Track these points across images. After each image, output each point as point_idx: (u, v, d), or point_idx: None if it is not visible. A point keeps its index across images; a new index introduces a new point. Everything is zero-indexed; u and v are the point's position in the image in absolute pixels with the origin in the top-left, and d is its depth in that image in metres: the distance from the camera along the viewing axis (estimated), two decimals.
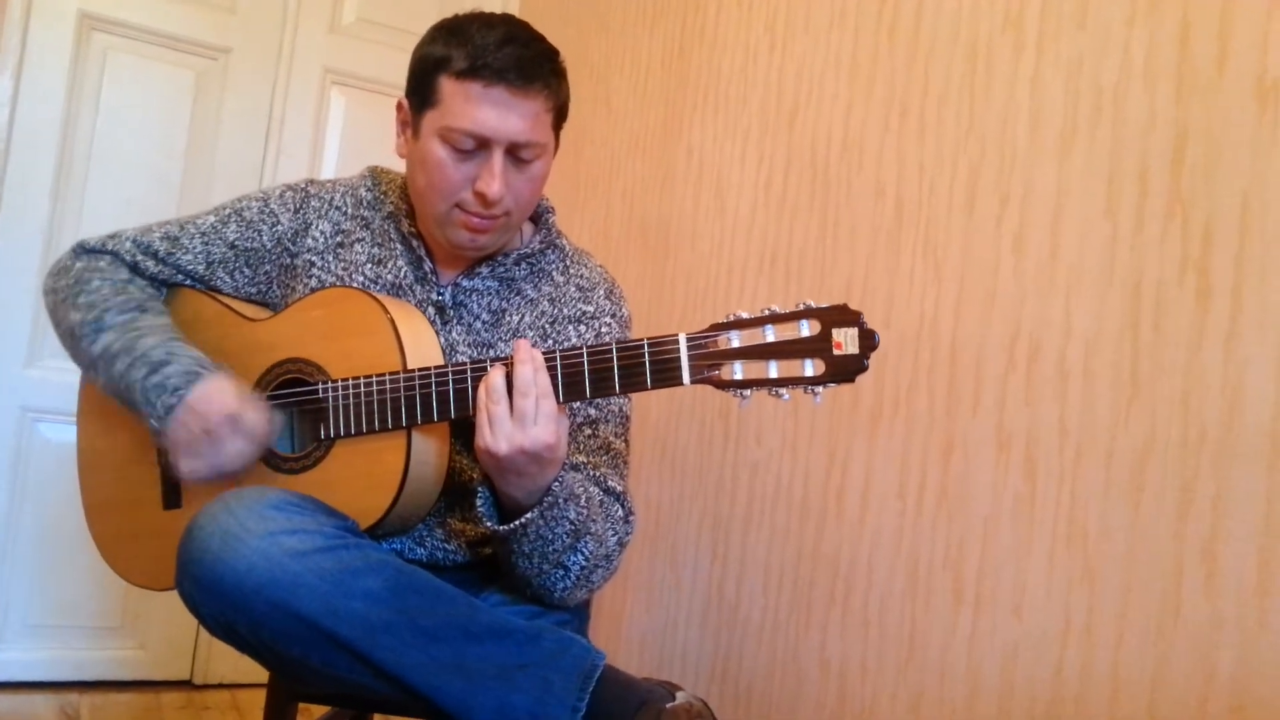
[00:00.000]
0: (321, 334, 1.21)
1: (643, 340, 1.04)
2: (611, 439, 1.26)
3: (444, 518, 1.25)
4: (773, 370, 0.99)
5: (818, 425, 1.52)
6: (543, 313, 1.29)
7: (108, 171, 2.28)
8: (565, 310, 1.29)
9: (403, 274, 1.28)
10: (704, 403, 1.77)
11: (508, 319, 1.28)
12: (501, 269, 1.29)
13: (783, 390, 0.99)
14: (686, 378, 1.02)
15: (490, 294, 1.29)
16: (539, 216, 1.34)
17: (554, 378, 1.06)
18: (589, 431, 1.24)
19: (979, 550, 1.24)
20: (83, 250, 1.32)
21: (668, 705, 1.03)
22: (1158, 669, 1.03)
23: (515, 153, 1.18)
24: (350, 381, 1.16)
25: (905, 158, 1.42)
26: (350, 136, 2.51)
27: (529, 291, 1.30)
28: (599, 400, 1.24)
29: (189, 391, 1.15)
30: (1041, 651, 1.15)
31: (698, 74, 1.93)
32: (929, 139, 1.39)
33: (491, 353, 1.26)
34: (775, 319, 1.00)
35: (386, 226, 1.31)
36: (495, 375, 1.06)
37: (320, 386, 1.19)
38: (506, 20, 1.20)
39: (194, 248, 1.31)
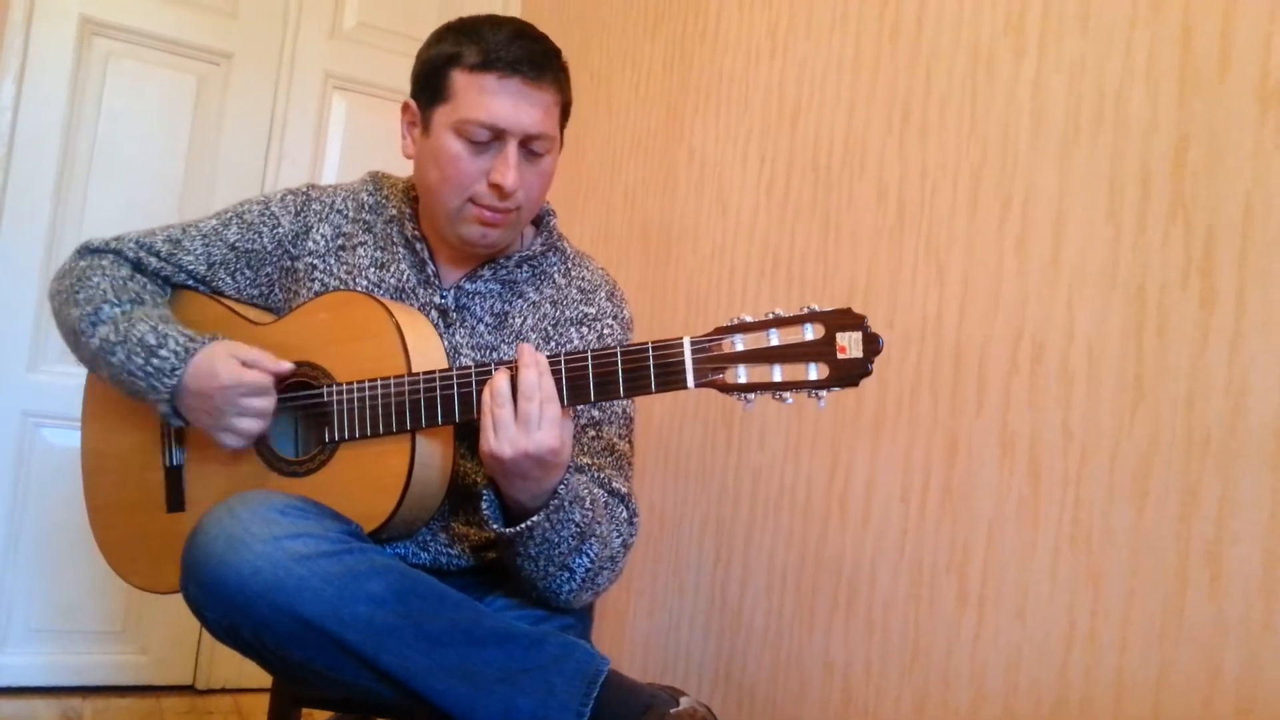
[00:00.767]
0: (326, 338, 1.21)
1: (647, 344, 1.04)
2: (615, 440, 1.26)
3: (448, 522, 1.25)
4: (777, 374, 0.99)
5: (821, 428, 1.52)
6: (545, 315, 1.29)
7: (110, 176, 2.28)
8: (567, 312, 1.30)
9: (406, 277, 1.28)
10: (707, 406, 1.77)
11: (511, 321, 1.28)
12: (504, 271, 1.29)
13: (786, 394, 0.99)
14: (691, 381, 1.02)
15: (493, 296, 1.29)
16: (540, 219, 1.34)
17: (558, 381, 1.06)
18: (593, 433, 1.24)
19: (983, 553, 1.24)
20: (87, 250, 1.33)
21: (672, 710, 1.03)
22: (1162, 671, 1.03)
23: (528, 145, 1.20)
24: (355, 385, 1.16)
25: (907, 160, 1.42)
26: (352, 141, 2.51)
27: (531, 294, 1.31)
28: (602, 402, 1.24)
29: (185, 370, 1.18)
30: (1045, 654, 1.14)
31: (699, 76, 1.93)
32: (931, 141, 1.39)
33: (495, 355, 1.26)
34: (779, 322, 1.00)
35: (389, 230, 1.31)
36: (500, 379, 1.06)
37: (325, 390, 1.19)
38: (512, 19, 1.23)
39: (195, 249, 1.31)
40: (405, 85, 1.29)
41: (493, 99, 1.17)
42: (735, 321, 1.01)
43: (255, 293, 1.34)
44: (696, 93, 1.93)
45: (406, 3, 2.54)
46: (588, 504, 1.14)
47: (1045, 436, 1.18)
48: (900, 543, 1.35)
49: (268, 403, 1.19)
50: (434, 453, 1.16)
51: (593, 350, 1.06)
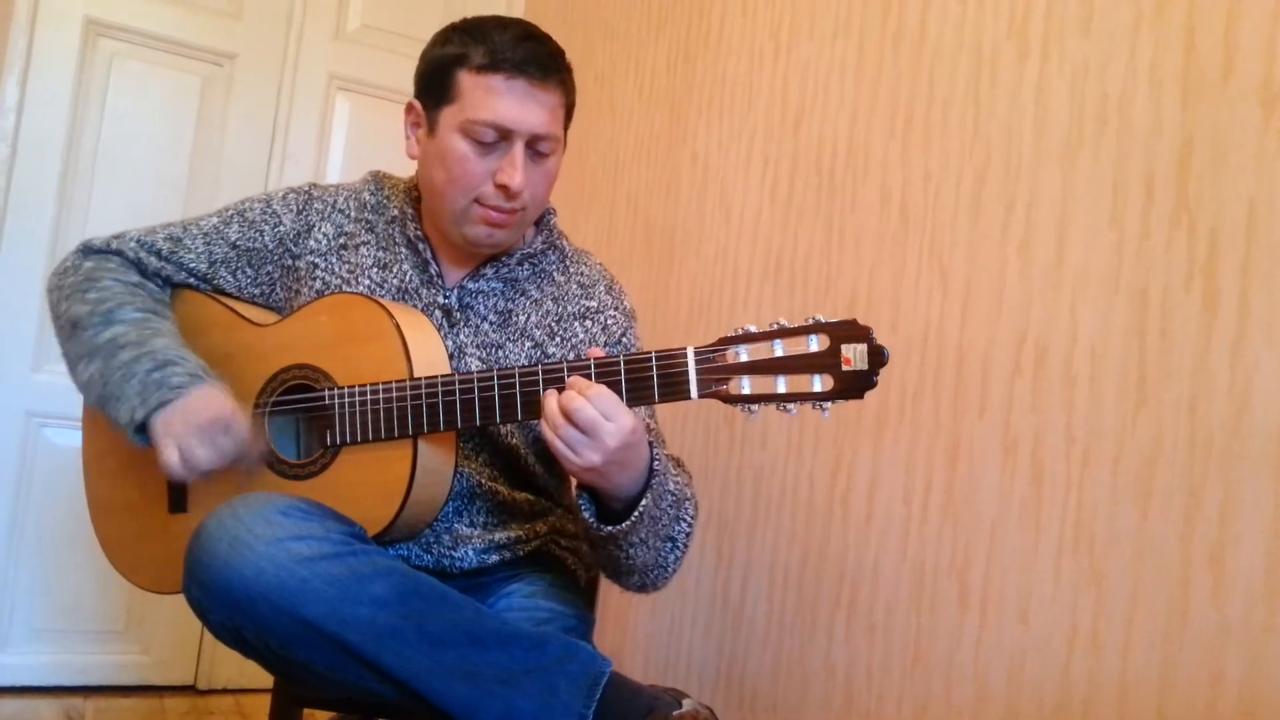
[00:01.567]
0: (328, 340, 1.21)
1: (650, 354, 1.04)
2: (648, 420, 1.28)
3: (451, 524, 1.25)
4: (781, 385, 0.99)
5: (823, 430, 1.52)
6: (548, 312, 1.30)
7: (113, 177, 2.28)
8: (569, 308, 1.31)
9: (408, 277, 1.28)
10: (710, 406, 1.77)
11: (514, 319, 1.29)
12: (505, 270, 1.29)
13: (790, 405, 0.99)
14: (694, 392, 1.02)
15: (496, 295, 1.29)
16: (540, 218, 1.35)
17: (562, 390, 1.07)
18: None
19: (985, 555, 1.24)
20: (89, 250, 1.32)
21: (674, 713, 1.03)
22: (1165, 674, 1.03)
23: (534, 145, 1.20)
24: (357, 389, 1.16)
25: (911, 164, 1.42)
26: (355, 142, 2.51)
27: (533, 292, 1.31)
28: None
29: (189, 391, 1.16)
30: (1048, 657, 1.14)
31: (703, 79, 1.93)
32: (934, 145, 1.39)
33: (500, 354, 1.26)
34: (784, 333, 1.00)
35: (391, 230, 1.31)
36: (549, 402, 1.05)
37: (326, 393, 1.19)
38: (518, 21, 1.24)
39: (196, 247, 1.31)
40: (409, 86, 1.29)
41: (499, 100, 1.17)
42: (739, 332, 1.01)
43: (256, 291, 1.34)
44: (700, 96, 1.93)
45: (410, 4, 2.54)
46: (673, 470, 1.16)
47: (1048, 439, 1.18)
48: (903, 544, 1.35)
49: (240, 435, 1.17)
50: (437, 456, 1.16)
51: (596, 360, 1.06)
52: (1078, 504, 1.13)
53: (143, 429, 1.17)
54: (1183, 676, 1.01)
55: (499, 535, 1.27)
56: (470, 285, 1.28)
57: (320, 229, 1.32)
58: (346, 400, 1.17)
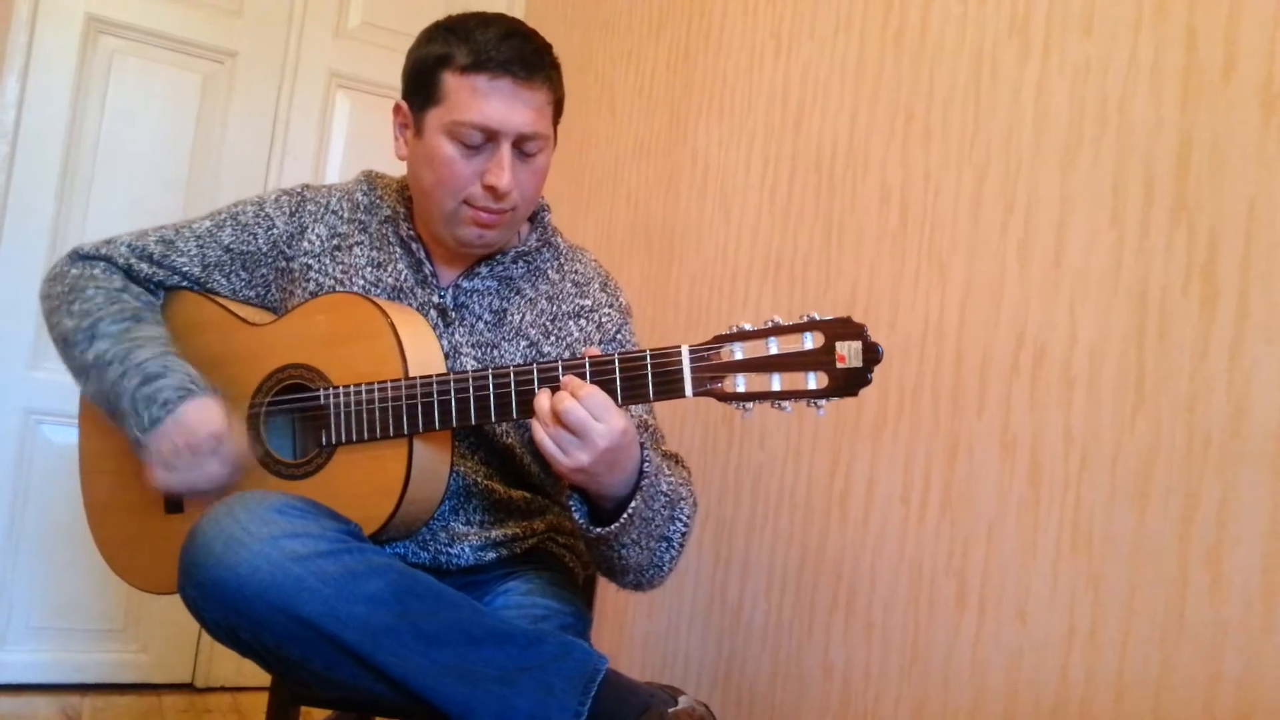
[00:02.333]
0: (323, 339, 1.21)
1: (645, 351, 1.04)
2: (645, 417, 1.28)
3: (448, 521, 1.25)
4: (775, 383, 0.99)
5: (822, 429, 1.51)
6: (542, 310, 1.30)
7: (113, 174, 2.28)
8: (564, 306, 1.31)
9: (403, 277, 1.28)
10: (708, 405, 1.77)
11: (510, 318, 1.29)
12: (500, 268, 1.29)
13: (785, 403, 0.99)
14: (689, 390, 1.02)
15: (490, 294, 1.29)
16: (534, 215, 1.35)
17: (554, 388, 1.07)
18: None
19: (983, 555, 1.23)
20: (78, 256, 1.32)
21: (670, 710, 1.03)
22: (1163, 674, 1.02)
23: (520, 145, 1.19)
24: (352, 388, 1.16)
25: (910, 163, 1.42)
26: (355, 140, 2.51)
27: (528, 290, 1.31)
28: None
29: (179, 407, 1.15)
30: (1046, 656, 1.14)
31: (703, 78, 1.93)
32: (934, 145, 1.38)
33: (495, 352, 1.26)
34: (778, 331, 1.00)
35: (385, 230, 1.31)
36: (541, 402, 1.05)
37: (322, 393, 1.19)
38: (502, 17, 1.23)
39: (189, 250, 1.31)
40: None
41: (484, 101, 1.16)
42: (734, 329, 1.01)
43: (251, 294, 1.34)
44: (700, 95, 1.93)
45: (411, 2, 2.54)
46: (667, 471, 1.16)
47: (1046, 439, 1.17)
48: (900, 544, 1.35)
49: (230, 459, 1.18)
50: (432, 455, 1.16)
51: (591, 359, 1.06)
52: (1076, 504, 1.13)
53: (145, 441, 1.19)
54: (1180, 676, 1.01)
55: (495, 533, 1.26)
56: (465, 284, 1.28)
57: (314, 230, 1.32)
58: (342, 399, 1.17)
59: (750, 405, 1.00)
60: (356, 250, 1.30)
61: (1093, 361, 1.13)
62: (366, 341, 1.17)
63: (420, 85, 1.21)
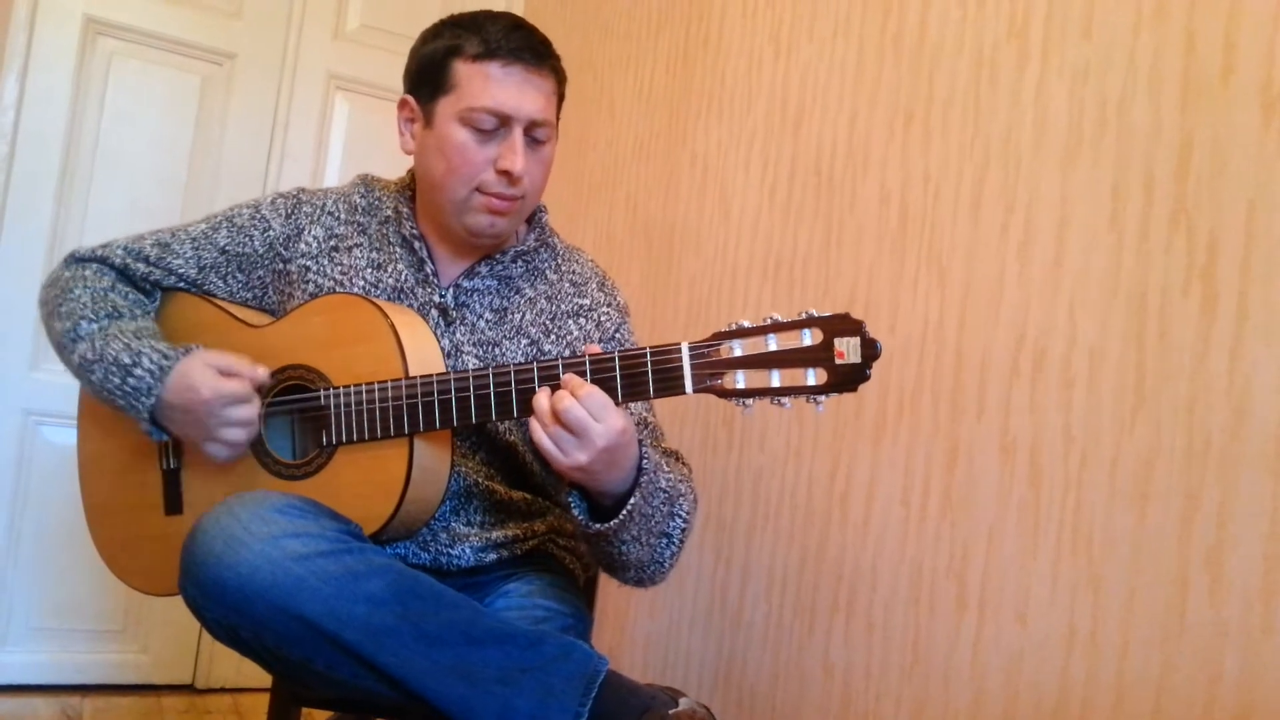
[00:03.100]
0: (323, 340, 1.21)
1: (645, 349, 1.04)
2: (645, 415, 1.29)
3: (448, 522, 1.25)
4: (775, 379, 1.00)
5: (822, 431, 1.51)
6: (542, 310, 1.31)
7: (112, 176, 2.28)
8: (563, 306, 1.31)
9: (403, 277, 1.28)
10: (708, 406, 1.77)
11: (510, 317, 1.29)
12: (500, 267, 1.30)
13: (785, 399, 1.00)
14: (689, 387, 1.02)
15: (491, 293, 1.30)
16: (532, 216, 1.36)
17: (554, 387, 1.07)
18: None
19: (983, 556, 1.23)
20: (73, 260, 1.33)
21: (671, 711, 1.03)
22: (1163, 675, 1.03)
23: (531, 132, 1.22)
24: (352, 389, 1.16)
25: (910, 165, 1.42)
26: (354, 141, 2.51)
27: (527, 290, 1.32)
28: None
29: (162, 389, 1.17)
30: (1046, 658, 1.14)
31: (702, 80, 1.93)
32: (934, 146, 1.39)
33: (496, 351, 1.27)
34: (777, 328, 1.00)
35: (385, 231, 1.32)
36: (540, 401, 1.06)
37: (322, 393, 1.19)
38: (505, 12, 1.26)
39: (185, 253, 1.32)
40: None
41: (498, 86, 1.19)
42: (733, 327, 1.01)
43: (248, 296, 1.34)
44: (699, 96, 1.93)
45: (410, 4, 2.55)
46: (666, 467, 1.16)
47: (1046, 441, 1.17)
48: (901, 545, 1.35)
49: (251, 411, 1.18)
50: (433, 455, 1.16)
51: (591, 357, 1.06)
52: (1076, 505, 1.13)
53: (160, 428, 1.22)
54: (1180, 677, 1.01)
55: (496, 534, 1.27)
56: (465, 284, 1.28)
57: (310, 232, 1.32)
58: (342, 400, 1.17)
59: (750, 402, 1.01)
60: (355, 252, 1.31)
61: (1092, 363, 1.14)
62: (367, 342, 1.17)
63: (429, 76, 1.23)
